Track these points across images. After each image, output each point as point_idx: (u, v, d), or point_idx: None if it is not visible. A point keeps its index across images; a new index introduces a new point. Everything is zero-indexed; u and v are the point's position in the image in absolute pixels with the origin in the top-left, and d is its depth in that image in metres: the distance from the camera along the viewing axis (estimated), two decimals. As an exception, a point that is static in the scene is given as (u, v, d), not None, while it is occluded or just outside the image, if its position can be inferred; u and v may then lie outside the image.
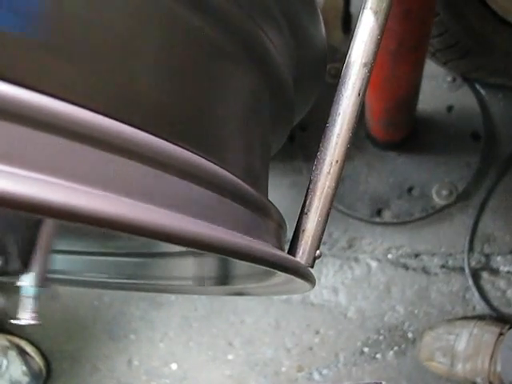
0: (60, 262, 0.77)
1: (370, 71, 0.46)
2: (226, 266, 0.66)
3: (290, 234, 0.51)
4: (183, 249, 0.66)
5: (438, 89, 1.42)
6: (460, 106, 1.42)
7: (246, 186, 0.41)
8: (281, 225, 0.51)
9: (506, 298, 1.35)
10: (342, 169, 0.46)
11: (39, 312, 0.55)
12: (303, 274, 0.44)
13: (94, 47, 0.31)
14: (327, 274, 1.44)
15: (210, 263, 0.68)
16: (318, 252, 0.49)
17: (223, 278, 0.66)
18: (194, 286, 0.70)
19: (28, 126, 0.25)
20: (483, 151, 1.40)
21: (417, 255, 1.41)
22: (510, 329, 1.23)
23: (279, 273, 0.55)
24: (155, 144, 0.31)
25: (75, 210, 0.24)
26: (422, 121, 1.40)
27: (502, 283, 1.36)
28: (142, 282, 0.75)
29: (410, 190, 1.41)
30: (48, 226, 0.57)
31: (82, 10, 0.30)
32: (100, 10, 0.31)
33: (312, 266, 0.48)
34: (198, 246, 0.31)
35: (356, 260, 1.44)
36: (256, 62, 0.44)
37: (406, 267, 1.41)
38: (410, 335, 1.37)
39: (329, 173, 0.46)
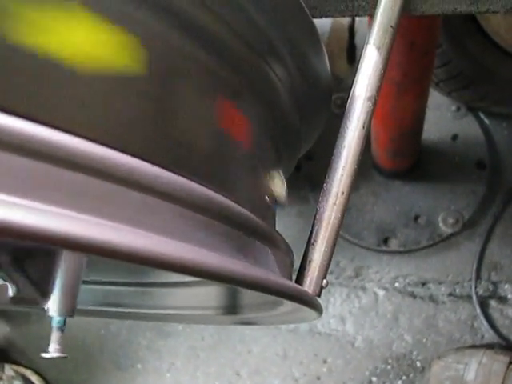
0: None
1: (374, 104, 0.48)
2: (236, 296, 0.66)
3: (297, 263, 0.52)
4: (192, 279, 0.67)
5: (443, 118, 1.44)
6: (465, 135, 1.43)
7: (255, 219, 0.42)
8: (288, 255, 0.51)
9: (515, 326, 1.35)
10: (347, 199, 0.47)
11: (62, 343, 0.56)
12: (311, 303, 0.45)
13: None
14: (334, 302, 1.44)
15: (219, 293, 0.69)
16: (324, 281, 0.49)
17: (232, 308, 0.66)
18: (203, 315, 0.70)
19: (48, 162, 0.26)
20: (488, 179, 1.40)
21: (424, 283, 1.41)
22: None
23: (287, 302, 0.56)
24: (179, 183, 0.32)
25: (117, 248, 0.26)
26: (427, 150, 1.41)
27: (510, 311, 1.36)
28: (150, 311, 0.76)
29: (416, 218, 1.41)
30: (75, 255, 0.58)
31: None
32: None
33: (319, 296, 0.49)
34: (211, 277, 0.32)
35: (363, 289, 1.43)
36: (264, 99, 0.45)
37: (413, 296, 1.41)
38: (418, 364, 1.36)
39: (335, 204, 0.47)
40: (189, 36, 0.38)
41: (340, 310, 1.43)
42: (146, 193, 0.31)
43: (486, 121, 1.44)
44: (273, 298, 0.61)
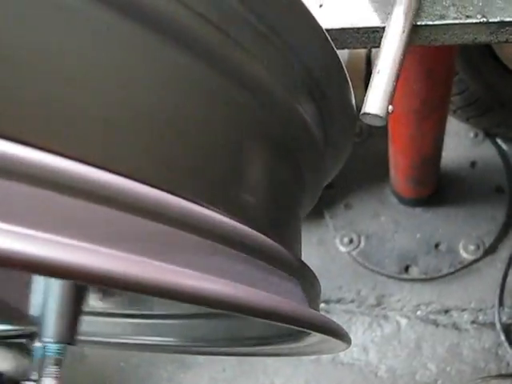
0: (93, 324, 0.78)
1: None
2: (263, 328, 0.67)
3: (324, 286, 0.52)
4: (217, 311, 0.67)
5: (461, 145, 1.44)
6: (483, 161, 1.43)
7: (284, 251, 0.42)
8: (315, 286, 0.52)
9: (541, 354, 1.33)
10: (409, 37, 0.57)
11: (64, 374, 0.54)
12: (339, 334, 0.45)
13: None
14: (356, 332, 1.43)
15: (246, 326, 0.69)
16: (390, 107, 0.52)
17: (261, 339, 0.66)
18: (228, 347, 0.70)
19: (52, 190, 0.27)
20: (508, 204, 1.40)
21: (446, 311, 1.40)
22: None
23: (315, 333, 0.56)
24: (205, 216, 0.33)
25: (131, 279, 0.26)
26: (446, 177, 1.41)
27: (535, 339, 1.34)
28: (174, 343, 0.76)
29: (437, 245, 1.41)
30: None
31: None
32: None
33: (386, 118, 0.52)
34: (246, 311, 0.32)
35: (385, 317, 1.43)
36: (293, 136, 0.46)
37: (436, 324, 1.40)
38: (443, 394, 1.35)
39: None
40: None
41: (362, 339, 1.42)
42: (182, 229, 0.32)
43: (504, 146, 1.44)
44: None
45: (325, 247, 1.46)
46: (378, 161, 1.39)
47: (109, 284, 0.26)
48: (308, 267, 0.50)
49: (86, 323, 0.74)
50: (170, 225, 0.31)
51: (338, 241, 1.45)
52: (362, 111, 0.54)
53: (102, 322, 0.78)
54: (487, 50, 1.19)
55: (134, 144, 0.33)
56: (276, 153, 0.47)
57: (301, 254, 0.57)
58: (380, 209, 1.44)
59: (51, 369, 0.52)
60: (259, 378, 1.45)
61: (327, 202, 1.46)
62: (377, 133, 1.41)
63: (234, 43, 0.38)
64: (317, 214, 1.47)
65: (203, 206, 0.33)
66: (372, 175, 1.46)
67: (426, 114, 1.08)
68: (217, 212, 0.35)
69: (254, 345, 0.67)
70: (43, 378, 0.51)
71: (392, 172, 1.33)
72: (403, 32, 0.59)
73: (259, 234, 0.39)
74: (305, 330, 0.40)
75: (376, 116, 0.55)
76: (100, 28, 0.31)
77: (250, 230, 0.38)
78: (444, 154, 1.28)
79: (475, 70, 1.18)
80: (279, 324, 0.38)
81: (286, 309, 0.37)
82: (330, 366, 1.42)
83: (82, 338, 0.75)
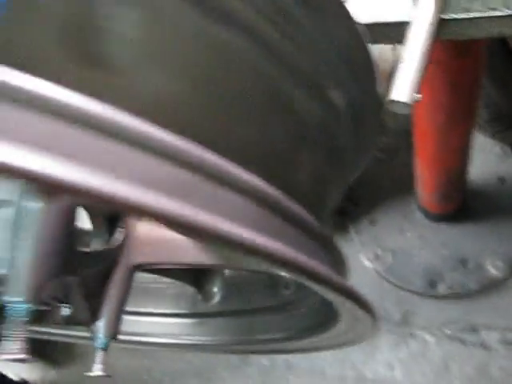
0: (141, 324, 0.79)
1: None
2: (294, 321, 0.67)
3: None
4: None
5: (488, 160, 1.43)
6: (511, 177, 1.42)
7: (320, 226, 0.43)
8: (343, 266, 0.52)
9: None
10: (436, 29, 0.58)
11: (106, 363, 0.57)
12: (367, 305, 0.45)
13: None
14: (382, 349, 1.41)
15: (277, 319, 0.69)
16: (417, 96, 0.54)
17: (289, 334, 0.67)
18: (259, 344, 0.71)
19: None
20: (537, 222, 1.38)
21: (474, 329, 1.37)
22: None
23: (341, 321, 0.56)
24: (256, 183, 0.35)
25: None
26: (473, 192, 1.40)
27: None
28: (219, 342, 0.76)
29: (464, 261, 1.39)
30: (119, 275, 0.60)
31: None
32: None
33: (413, 103, 0.53)
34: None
35: (412, 335, 1.41)
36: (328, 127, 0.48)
37: (463, 342, 1.37)
38: (471, 414, 1.32)
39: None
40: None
41: (388, 356, 1.40)
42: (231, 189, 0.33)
43: (533, 163, 1.43)
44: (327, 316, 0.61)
45: (350, 263, 1.45)
46: (404, 176, 1.39)
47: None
48: (337, 247, 0.51)
49: (132, 323, 0.75)
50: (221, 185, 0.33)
51: (363, 256, 1.44)
52: (389, 98, 0.55)
53: (146, 321, 0.79)
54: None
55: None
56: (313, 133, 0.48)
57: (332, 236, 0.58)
58: (406, 224, 1.43)
59: (15, 331, 0.50)
60: (283, 394, 1.44)
61: (353, 218, 1.46)
62: (402, 147, 1.41)
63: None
64: (342, 229, 1.47)
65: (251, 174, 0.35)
66: (397, 190, 1.45)
67: (451, 127, 1.08)
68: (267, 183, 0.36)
69: (285, 339, 0.68)
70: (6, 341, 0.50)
71: (418, 187, 1.32)
72: (430, 24, 0.60)
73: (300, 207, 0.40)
74: (337, 294, 0.40)
75: (403, 103, 0.56)
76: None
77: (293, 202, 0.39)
78: (471, 169, 1.27)
79: (501, 83, 1.18)
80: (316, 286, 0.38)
81: (326, 271, 0.38)
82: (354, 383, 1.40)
83: (129, 337, 0.76)
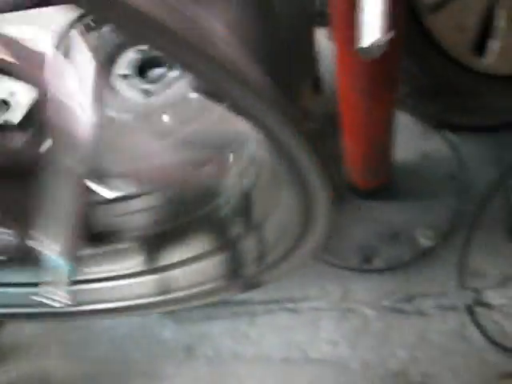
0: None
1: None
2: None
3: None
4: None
5: (411, 137, 1.50)
6: (433, 152, 1.49)
7: None
8: None
9: (503, 330, 1.36)
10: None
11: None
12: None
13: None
14: (325, 327, 1.43)
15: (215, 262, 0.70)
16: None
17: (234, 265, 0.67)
18: (210, 289, 0.71)
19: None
20: (460, 191, 1.46)
21: (411, 299, 1.42)
22: None
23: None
24: None
25: None
26: (399, 168, 1.46)
27: (496, 316, 1.37)
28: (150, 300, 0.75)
29: (395, 235, 1.45)
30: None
31: None
32: None
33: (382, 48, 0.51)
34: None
35: (352, 310, 1.44)
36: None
37: (401, 312, 1.42)
38: (415, 379, 1.36)
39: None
40: None
41: (331, 334, 1.43)
42: None
43: (453, 136, 1.51)
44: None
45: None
46: (333, 156, 1.43)
47: None
48: None
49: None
50: None
51: (300, 237, 1.47)
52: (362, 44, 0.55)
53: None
54: (430, 39, 1.26)
55: None
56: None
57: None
58: (337, 204, 1.47)
59: None
60: (231, 383, 1.43)
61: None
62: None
63: None
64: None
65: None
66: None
67: (375, 97, 1.13)
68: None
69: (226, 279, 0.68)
70: None
71: (347, 164, 1.37)
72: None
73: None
74: None
75: (377, 45, 0.56)
76: None
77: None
78: (396, 146, 1.33)
79: (417, 56, 1.25)
80: None
81: None
82: (300, 364, 1.42)
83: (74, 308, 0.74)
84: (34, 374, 1.44)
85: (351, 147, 1.29)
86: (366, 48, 0.55)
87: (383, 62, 1.05)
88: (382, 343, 1.40)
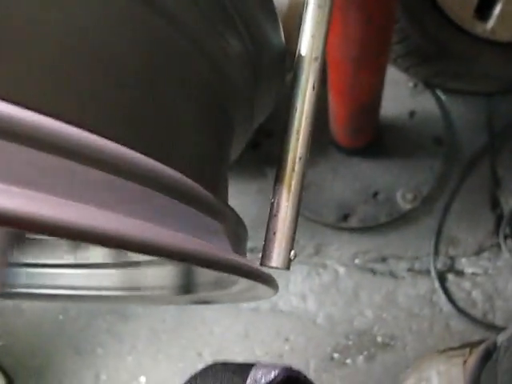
0: (25, 275, 0.75)
1: (321, 65, 0.46)
2: (189, 274, 0.65)
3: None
4: (147, 258, 0.66)
5: (400, 95, 1.44)
6: (422, 112, 1.43)
7: (205, 192, 0.40)
8: (240, 228, 0.50)
9: (472, 299, 1.37)
10: (305, 165, 0.45)
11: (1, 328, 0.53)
12: (265, 279, 0.43)
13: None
14: (295, 280, 1.44)
15: (172, 272, 0.67)
16: (292, 253, 0.47)
17: (187, 287, 0.65)
18: (157, 295, 0.69)
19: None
20: (445, 155, 1.42)
21: (384, 259, 1.42)
22: (470, 354, 1.22)
23: (241, 280, 0.55)
24: (113, 150, 0.30)
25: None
26: (385, 126, 1.42)
27: (466, 284, 1.38)
28: (105, 293, 0.74)
29: (375, 194, 1.42)
30: None
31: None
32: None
33: (288, 268, 0.47)
34: (160, 253, 0.30)
35: (323, 266, 1.44)
36: (212, 63, 0.44)
37: (373, 272, 1.42)
38: (379, 339, 1.38)
39: (293, 170, 0.45)
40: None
41: (301, 287, 1.43)
42: (73, 160, 0.28)
43: (443, 97, 1.45)
44: (227, 276, 0.59)
45: (264, 196, 1.45)
46: (317, 109, 1.37)
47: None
48: (233, 211, 0.48)
49: (21, 275, 0.71)
50: (91, 166, 0.28)
51: (277, 190, 1.44)
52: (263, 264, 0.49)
53: (37, 273, 0.75)
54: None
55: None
56: (202, 96, 0.44)
57: (227, 198, 0.55)
58: (318, 158, 1.43)
59: None
60: (198, 327, 1.45)
61: (265, 152, 1.45)
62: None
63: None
64: (255, 163, 1.46)
65: (129, 148, 0.30)
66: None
67: (364, 63, 1.07)
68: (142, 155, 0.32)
69: (178, 293, 0.66)
70: None
71: (331, 121, 1.32)
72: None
73: (179, 174, 0.36)
74: (224, 272, 0.38)
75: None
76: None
77: (169, 169, 0.35)
78: (383, 103, 1.27)
79: (415, 18, 1.17)
80: (200, 267, 0.35)
81: (207, 252, 0.35)
82: (269, 315, 1.43)
83: (15, 290, 0.73)
84: None
85: (336, 106, 1.23)
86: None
87: (375, 31, 0.99)
88: (351, 301, 1.41)
